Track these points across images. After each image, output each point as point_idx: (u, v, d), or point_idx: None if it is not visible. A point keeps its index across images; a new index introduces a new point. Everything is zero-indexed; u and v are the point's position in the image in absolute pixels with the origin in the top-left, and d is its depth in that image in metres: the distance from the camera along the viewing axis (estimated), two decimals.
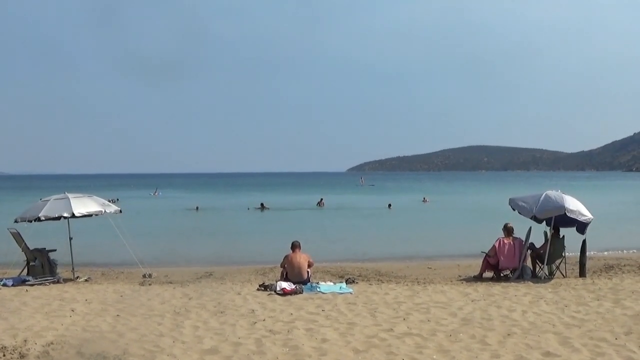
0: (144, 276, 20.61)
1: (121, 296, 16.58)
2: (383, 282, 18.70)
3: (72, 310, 14.65)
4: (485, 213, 51.44)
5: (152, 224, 46.03)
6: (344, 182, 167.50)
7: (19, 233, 20.41)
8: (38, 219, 19.54)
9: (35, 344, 11.59)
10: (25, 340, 11.81)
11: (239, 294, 16.75)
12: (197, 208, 62.84)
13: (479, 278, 19.20)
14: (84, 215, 20.04)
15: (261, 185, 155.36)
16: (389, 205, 62.93)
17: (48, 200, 20.20)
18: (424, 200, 74.90)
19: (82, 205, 20.08)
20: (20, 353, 11.01)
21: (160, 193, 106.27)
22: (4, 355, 10.94)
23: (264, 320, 13.43)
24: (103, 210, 20.31)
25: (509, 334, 11.92)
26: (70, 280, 19.80)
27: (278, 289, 16.75)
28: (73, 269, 20.52)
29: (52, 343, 11.60)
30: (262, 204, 63.67)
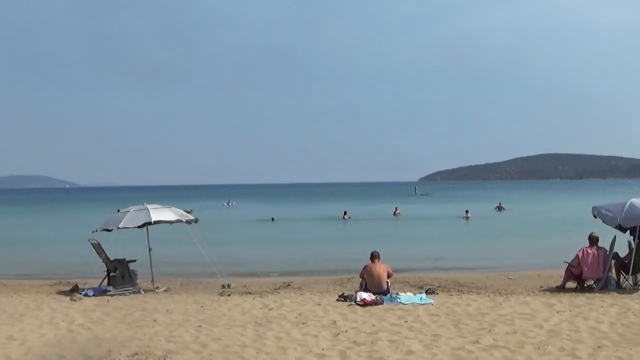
0: (223, 286, 20.58)
1: (202, 306, 16.56)
2: (464, 293, 18.38)
3: (154, 321, 14.68)
4: (564, 222, 50.53)
5: (228, 234, 46.13)
6: (399, 191, 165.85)
7: (99, 244, 20.61)
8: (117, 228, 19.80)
9: (120, 354, 11.62)
10: (109, 351, 11.85)
11: (319, 304, 16.62)
12: (272, 219, 62.78)
13: (561, 289, 18.74)
14: (162, 222, 20.17)
15: (333, 195, 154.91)
16: (467, 212, 61.95)
17: (128, 212, 20.40)
18: (499, 208, 73.73)
19: (162, 215, 20.21)
20: None
21: (233, 203, 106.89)
22: None
23: (346, 331, 13.26)
24: (181, 220, 20.43)
25: (599, 347, 11.54)
26: (150, 290, 19.89)
27: (358, 299, 16.54)
28: (153, 279, 20.62)
29: (136, 354, 11.61)
30: (345, 213, 63.26)
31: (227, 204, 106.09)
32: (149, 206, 20.42)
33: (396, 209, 67.70)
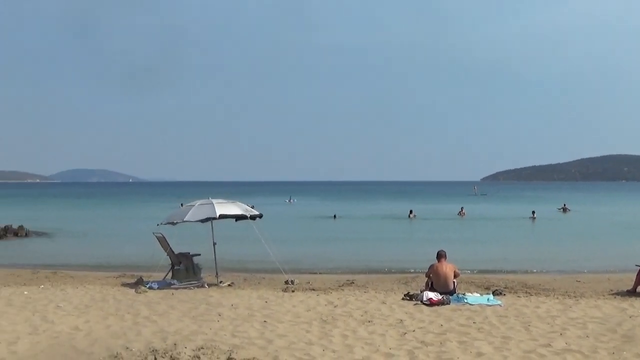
0: (287, 282, 20.47)
1: (266, 302, 16.47)
2: (531, 295, 17.98)
3: (219, 315, 14.61)
4: (631, 225, 49.58)
5: (290, 231, 46.12)
6: (458, 191, 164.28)
7: (164, 237, 20.66)
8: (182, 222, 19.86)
9: (185, 347, 11.56)
10: (175, 344, 11.79)
11: (384, 302, 16.41)
12: (334, 216, 62.61)
13: (632, 293, 18.20)
14: (227, 216, 20.14)
15: (394, 193, 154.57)
16: (533, 212, 60.99)
17: (193, 206, 20.41)
18: (564, 210, 72.51)
19: (226, 210, 20.17)
20: (171, 357, 11.00)
21: (294, 200, 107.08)
22: (155, 359, 10.94)
23: (413, 331, 13.05)
24: (246, 215, 20.38)
25: None
26: (214, 284, 19.86)
27: (425, 299, 16.28)
28: (217, 273, 20.60)
29: (202, 347, 11.53)
30: (410, 211, 62.80)
31: (289, 200, 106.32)
32: (214, 201, 20.40)
33: (462, 208, 66.84)
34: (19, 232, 43.41)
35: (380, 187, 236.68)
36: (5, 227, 43.48)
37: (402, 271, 24.60)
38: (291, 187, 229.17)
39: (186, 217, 19.80)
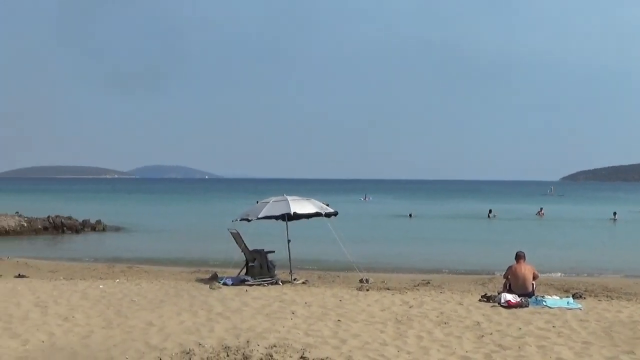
0: (361, 281, 20.27)
1: (340, 300, 16.25)
2: (612, 299, 17.45)
3: (293, 313, 14.46)
4: None
5: (366, 229, 45.88)
6: (534, 190, 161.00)
7: (239, 234, 20.64)
8: (257, 219, 19.83)
9: (258, 345, 11.45)
10: (248, 341, 11.69)
11: (461, 304, 16.06)
12: (410, 215, 62.10)
13: None
14: (301, 215, 20.02)
15: (470, 192, 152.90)
16: (614, 214, 59.52)
17: (267, 202, 20.36)
18: None
19: (301, 207, 20.06)
20: (244, 354, 10.90)
21: (370, 198, 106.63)
22: (228, 356, 10.86)
23: (491, 333, 12.71)
24: (321, 213, 20.22)
25: None
26: (288, 282, 19.75)
27: (502, 300, 15.86)
28: (291, 270, 20.48)
29: (274, 346, 11.41)
30: (490, 211, 61.98)
31: (365, 198, 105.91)
32: (289, 198, 20.31)
33: (541, 209, 65.57)
34: (96, 227, 44.27)
35: (455, 186, 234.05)
36: (83, 221, 44.33)
37: (479, 272, 24.17)
38: (366, 184, 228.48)
39: (260, 213, 19.78)
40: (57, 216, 43.51)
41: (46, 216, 43.24)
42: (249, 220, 20.20)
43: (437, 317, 14.31)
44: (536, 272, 17.45)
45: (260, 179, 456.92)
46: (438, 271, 25.11)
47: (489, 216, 60.91)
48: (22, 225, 40.80)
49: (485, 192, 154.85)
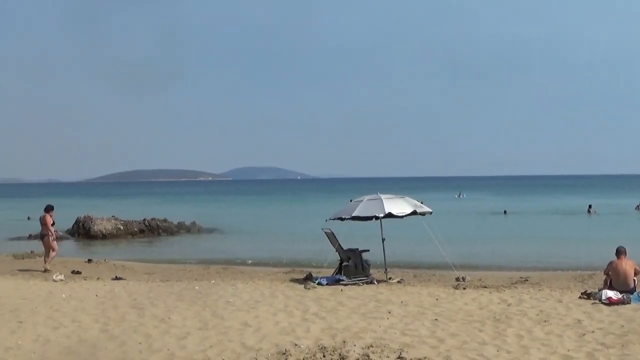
0: (457, 279, 19.95)
1: (437, 299, 15.99)
2: None
3: (389, 312, 14.27)
4: None
5: (461, 226, 45.25)
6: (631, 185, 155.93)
7: (333, 233, 20.53)
8: (351, 218, 19.63)
9: (354, 345, 11.32)
10: (344, 342, 11.57)
11: (561, 301, 15.62)
12: (505, 212, 61.10)
13: None
14: (395, 215, 19.76)
15: (568, 187, 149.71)
16: None
17: (361, 201, 20.16)
18: None
19: (395, 205, 19.80)
20: (340, 355, 10.77)
21: (464, 195, 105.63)
22: (324, 356, 10.75)
23: (593, 332, 12.31)
24: (416, 211, 19.92)
25: None
26: (383, 281, 19.55)
27: (603, 297, 15.35)
28: (386, 269, 20.27)
29: (371, 346, 11.26)
30: (589, 206, 60.08)
31: (459, 195, 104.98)
32: (383, 196, 20.08)
33: None
34: (191, 229, 44.74)
35: (553, 181, 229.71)
36: (178, 223, 44.86)
37: (578, 269, 23.50)
38: (461, 182, 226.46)
39: (354, 212, 19.59)
40: (152, 219, 44.10)
41: (142, 219, 43.87)
42: (342, 219, 20.06)
43: (537, 315, 13.96)
44: (638, 268, 16.80)
45: (352, 179, 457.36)
46: (535, 268, 24.54)
47: (589, 212, 58.97)
48: (119, 229, 41.45)
49: (583, 187, 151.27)
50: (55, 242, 23.94)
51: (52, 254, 23.64)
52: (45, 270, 22.79)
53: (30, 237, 41.28)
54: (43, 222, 23.72)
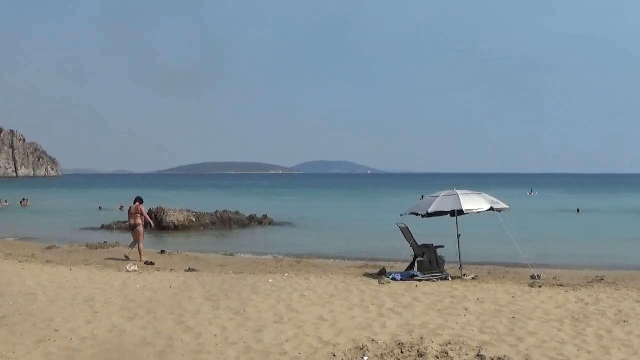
0: (532, 277, 19.69)
1: (513, 297, 15.78)
2: None
3: (466, 309, 14.13)
4: None
5: (533, 224, 44.51)
6: None
7: (407, 228, 20.39)
8: (427, 215, 19.50)
9: (432, 342, 11.24)
10: (421, 338, 11.49)
11: (638, 301, 15.32)
12: (578, 210, 60.16)
13: None
14: (472, 211, 19.56)
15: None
16: None
17: (437, 197, 19.99)
18: None
19: (472, 202, 19.58)
20: (418, 351, 10.69)
21: (536, 193, 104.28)
22: (402, 352, 10.69)
23: None
24: (492, 208, 19.69)
25: None
26: (457, 277, 19.36)
27: None
28: (460, 266, 20.07)
29: (449, 343, 11.17)
30: None
31: (530, 193, 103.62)
32: (459, 192, 19.87)
33: None
34: (263, 221, 44.96)
35: (634, 180, 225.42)
36: (250, 216, 45.19)
37: None
38: (534, 179, 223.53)
39: (430, 208, 19.42)
40: (224, 211, 44.50)
41: (214, 211, 44.27)
42: (417, 215, 19.94)
43: (615, 315, 13.69)
44: None
45: (421, 174, 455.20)
46: (611, 267, 24.10)
47: None
48: (191, 220, 41.84)
49: None
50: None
51: (142, 245, 24.42)
52: (141, 260, 23.57)
53: (103, 227, 42.11)
54: (137, 211, 24.58)
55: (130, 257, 23.74)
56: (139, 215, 24.46)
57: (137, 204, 24.61)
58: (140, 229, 24.31)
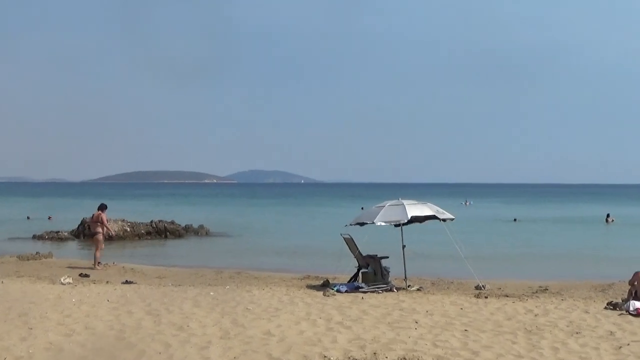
0: (477, 287, 19.57)
1: (461, 309, 15.58)
2: None
3: (416, 322, 13.81)
4: None
5: (471, 234, 44.59)
6: None
7: (352, 239, 20.11)
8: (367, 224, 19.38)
9: (386, 357, 10.90)
10: (374, 353, 11.13)
11: (587, 312, 15.29)
12: (515, 219, 60.64)
13: None
14: (417, 217, 19.39)
15: (584, 196, 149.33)
16: None
17: (382, 207, 19.74)
18: None
19: (418, 210, 19.41)
20: None
21: (471, 202, 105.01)
22: None
23: (628, 344, 11.97)
24: (437, 216, 19.55)
25: None
26: (402, 288, 19.08)
27: (631, 308, 15.00)
28: (405, 277, 19.83)
29: (404, 358, 10.84)
30: (607, 215, 58.77)
31: (465, 203, 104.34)
32: (405, 202, 19.66)
33: None
34: (199, 232, 44.31)
35: (562, 189, 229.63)
36: (186, 226, 44.48)
37: (596, 277, 23.04)
38: (467, 189, 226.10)
39: (376, 218, 19.14)
40: (160, 221, 43.67)
41: (149, 221, 43.46)
42: (362, 225, 19.69)
43: (567, 326, 13.60)
44: None
45: (356, 184, 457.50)
46: (553, 277, 24.00)
47: (606, 221, 57.96)
48: (125, 230, 40.83)
49: (601, 195, 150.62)
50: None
51: (99, 253, 24.73)
52: (98, 264, 24.48)
53: (34, 237, 40.83)
54: (97, 219, 24.96)
55: (100, 263, 24.63)
56: (98, 223, 24.82)
57: (99, 212, 24.94)
58: (99, 237, 24.69)
